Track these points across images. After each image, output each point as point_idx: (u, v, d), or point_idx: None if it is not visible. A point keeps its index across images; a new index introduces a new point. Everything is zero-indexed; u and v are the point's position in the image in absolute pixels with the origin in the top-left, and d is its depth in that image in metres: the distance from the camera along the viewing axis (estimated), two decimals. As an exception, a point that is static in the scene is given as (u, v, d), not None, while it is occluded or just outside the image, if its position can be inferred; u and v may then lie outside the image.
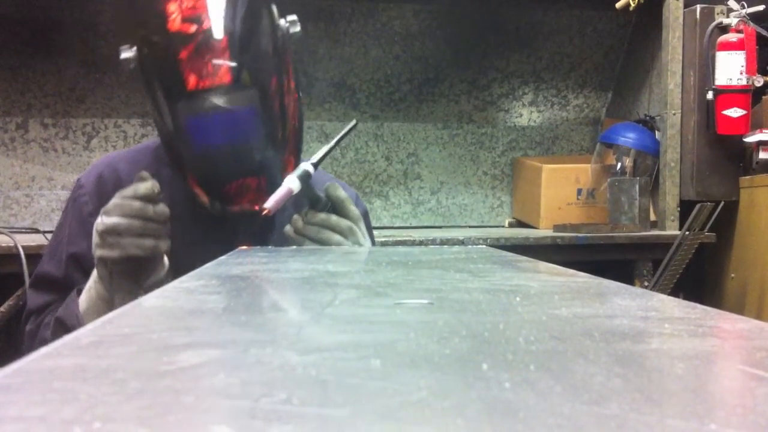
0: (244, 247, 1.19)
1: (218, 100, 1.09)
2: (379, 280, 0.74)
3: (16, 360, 0.35)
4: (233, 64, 1.09)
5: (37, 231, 2.65)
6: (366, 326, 0.48)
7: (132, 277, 1.08)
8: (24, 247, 2.09)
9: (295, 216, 1.21)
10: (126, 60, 1.14)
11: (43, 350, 0.38)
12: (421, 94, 3.25)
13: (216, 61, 1.08)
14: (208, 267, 0.86)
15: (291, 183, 1.15)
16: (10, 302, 2.24)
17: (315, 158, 1.20)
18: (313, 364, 0.36)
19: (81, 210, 1.24)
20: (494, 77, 3.28)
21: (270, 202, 1.12)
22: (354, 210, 1.21)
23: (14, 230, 2.52)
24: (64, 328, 1.12)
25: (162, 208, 1.08)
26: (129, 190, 1.07)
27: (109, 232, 1.05)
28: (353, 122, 1.28)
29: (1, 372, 0.33)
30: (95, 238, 1.07)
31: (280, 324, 0.49)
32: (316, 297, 0.61)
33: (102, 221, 1.06)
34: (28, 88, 2.89)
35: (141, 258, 1.07)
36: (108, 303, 1.09)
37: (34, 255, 2.10)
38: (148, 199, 1.07)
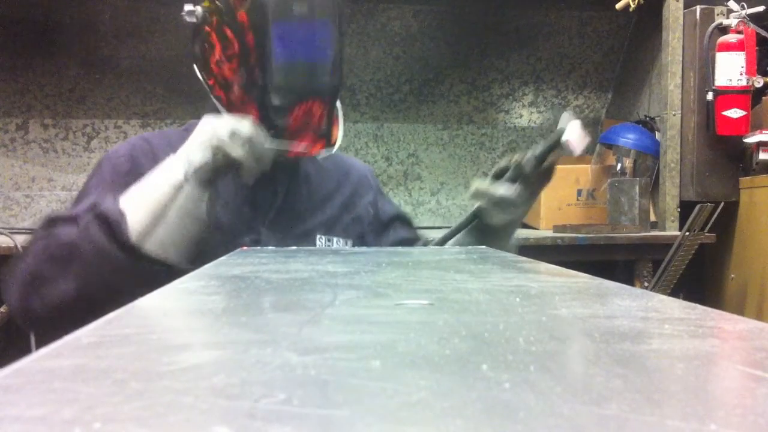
0: (245, 248, 1.20)
1: (306, 6, 1.23)
2: (379, 280, 0.74)
3: (16, 360, 0.35)
4: None
5: (37, 231, 2.64)
6: (366, 327, 0.48)
7: (221, 175, 1.19)
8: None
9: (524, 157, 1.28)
10: (190, 12, 1.29)
11: (43, 351, 0.38)
12: (421, 95, 3.25)
13: None
14: (208, 267, 0.86)
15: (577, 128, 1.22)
16: (10, 303, 2.23)
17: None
18: (313, 365, 0.36)
19: (115, 169, 1.28)
20: (494, 78, 3.28)
21: (578, 149, 1.22)
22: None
23: (14, 231, 2.52)
24: (101, 219, 1.13)
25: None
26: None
27: (244, 140, 1.16)
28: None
29: (1, 372, 0.33)
30: (222, 133, 1.16)
31: (280, 324, 0.49)
32: (316, 297, 0.61)
33: (236, 126, 1.16)
34: (28, 89, 2.89)
35: (240, 168, 1.17)
36: (177, 190, 1.15)
37: (34, 255, 2.09)
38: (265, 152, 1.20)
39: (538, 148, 1.27)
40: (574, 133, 1.21)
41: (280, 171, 1.32)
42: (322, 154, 1.31)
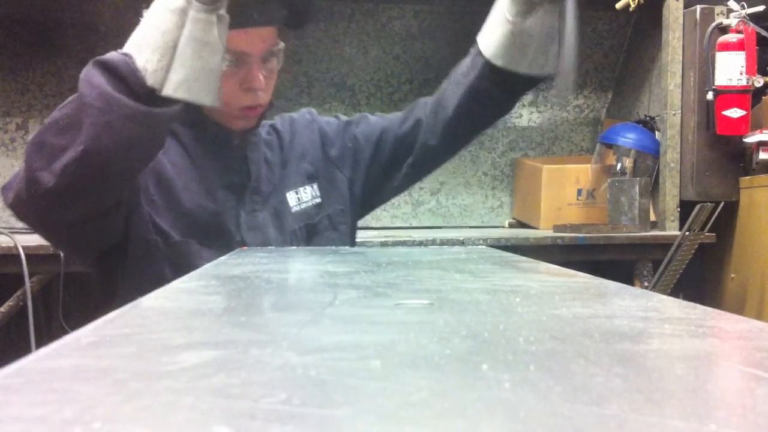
0: (245, 248, 1.20)
1: None
2: (379, 280, 0.74)
3: (16, 360, 0.35)
4: None
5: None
6: (366, 327, 0.48)
7: None
8: (24, 248, 2.09)
9: None
10: None
11: (43, 351, 0.38)
12: (421, 95, 3.23)
13: None
14: (208, 267, 0.86)
15: None
16: (10, 302, 2.24)
17: None
18: (313, 365, 0.36)
19: None
20: (494, 78, 3.28)
21: None
22: None
23: (14, 231, 2.52)
24: (104, 67, 1.03)
25: None
26: None
27: None
28: None
29: (1, 372, 0.33)
30: None
31: (280, 324, 0.49)
32: (316, 297, 0.61)
33: None
34: (28, 89, 2.89)
35: None
36: (181, 16, 1.05)
37: (34, 255, 2.10)
38: None
39: None
40: None
41: (251, 150, 1.32)
42: None
